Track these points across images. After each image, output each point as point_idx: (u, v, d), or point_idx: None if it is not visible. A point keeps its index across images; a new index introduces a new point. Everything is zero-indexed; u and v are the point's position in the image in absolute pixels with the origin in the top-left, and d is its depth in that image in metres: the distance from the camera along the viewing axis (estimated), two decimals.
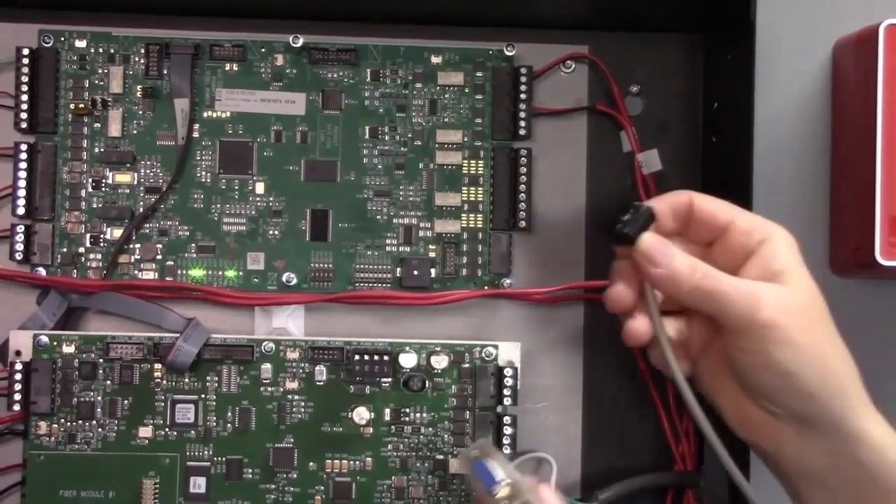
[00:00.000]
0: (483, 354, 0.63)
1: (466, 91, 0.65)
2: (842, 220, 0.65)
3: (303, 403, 0.63)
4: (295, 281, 0.64)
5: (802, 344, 0.52)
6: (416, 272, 0.64)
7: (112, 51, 0.64)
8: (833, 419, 0.53)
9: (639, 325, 0.55)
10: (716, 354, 0.56)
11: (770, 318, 0.51)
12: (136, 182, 0.64)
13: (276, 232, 0.65)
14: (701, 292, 0.53)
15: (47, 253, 0.64)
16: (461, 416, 0.63)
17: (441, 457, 0.63)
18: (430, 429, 0.63)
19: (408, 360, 0.62)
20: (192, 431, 0.63)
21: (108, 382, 0.63)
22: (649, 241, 0.54)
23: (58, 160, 0.64)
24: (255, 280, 0.64)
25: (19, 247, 0.63)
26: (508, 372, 0.63)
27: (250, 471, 0.63)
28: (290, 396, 0.63)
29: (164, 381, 0.63)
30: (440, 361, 0.63)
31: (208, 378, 0.63)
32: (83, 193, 0.64)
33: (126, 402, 0.63)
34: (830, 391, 0.52)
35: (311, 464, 0.63)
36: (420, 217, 0.65)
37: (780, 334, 0.51)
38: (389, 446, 0.63)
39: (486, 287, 0.65)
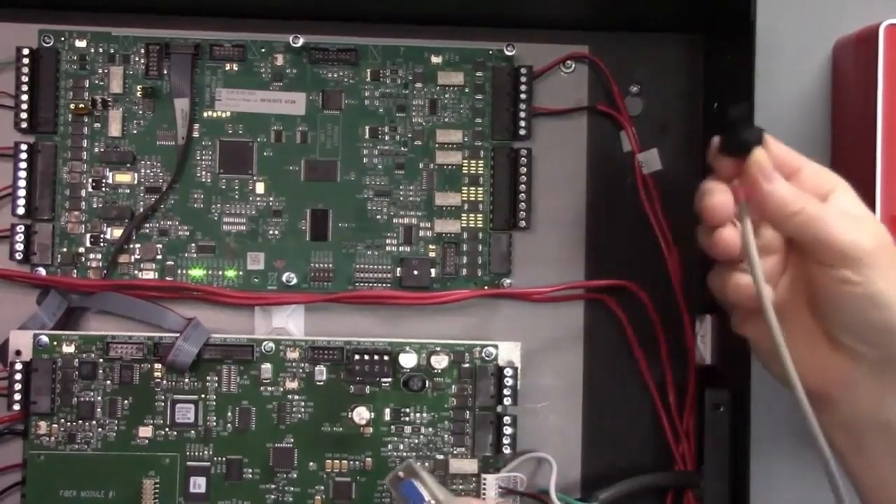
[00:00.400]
0: (483, 354, 0.63)
1: (466, 91, 0.65)
2: None
3: (303, 403, 0.63)
4: (295, 281, 0.64)
5: None
6: (416, 272, 0.64)
7: (112, 51, 0.64)
8: None
9: (731, 235, 0.53)
10: (797, 294, 0.54)
11: (873, 247, 0.50)
12: (136, 182, 0.64)
13: (276, 232, 0.65)
14: (806, 215, 0.51)
15: (47, 253, 0.64)
16: (461, 416, 0.63)
17: (441, 457, 0.63)
18: (430, 429, 0.63)
19: (408, 360, 0.62)
20: (192, 431, 0.63)
21: (108, 382, 0.63)
22: (764, 157, 0.52)
23: (58, 160, 0.64)
24: (255, 280, 0.64)
25: (19, 247, 0.63)
26: (508, 372, 0.63)
27: (250, 471, 0.63)
28: (290, 396, 0.63)
29: (164, 381, 0.63)
30: (440, 361, 0.63)
31: (208, 378, 0.63)
32: (83, 193, 0.64)
33: (126, 402, 0.63)
34: None
35: (311, 464, 0.63)
36: (420, 217, 0.65)
37: (883, 265, 0.50)
38: (389, 446, 0.63)
39: (486, 287, 0.65)
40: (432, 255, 0.65)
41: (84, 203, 0.64)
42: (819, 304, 0.53)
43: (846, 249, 0.51)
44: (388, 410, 0.63)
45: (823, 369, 0.53)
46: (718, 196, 0.53)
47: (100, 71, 0.64)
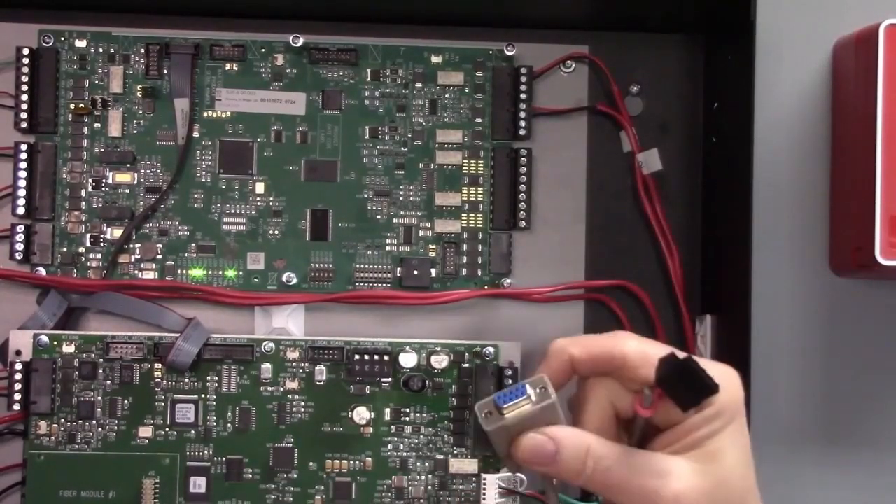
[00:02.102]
0: (483, 354, 0.63)
1: (466, 91, 0.65)
2: (842, 220, 0.65)
3: (303, 403, 0.63)
4: (295, 281, 0.64)
5: None
6: (416, 272, 0.64)
7: (112, 51, 0.64)
8: None
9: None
10: None
11: None
12: (136, 182, 0.64)
13: (276, 232, 0.65)
14: (595, 485, 0.46)
15: (47, 253, 0.64)
16: (461, 416, 0.63)
17: (441, 457, 0.63)
18: (430, 429, 0.63)
19: (408, 360, 0.62)
20: (192, 431, 0.63)
21: (108, 382, 0.63)
22: (526, 446, 0.47)
23: (58, 160, 0.64)
24: (255, 280, 0.64)
25: (19, 247, 0.63)
26: (508, 372, 0.63)
27: (250, 471, 0.63)
28: (290, 396, 0.63)
29: (164, 381, 0.63)
30: (440, 361, 0.63)
31: (208, 378, 0.63)
32: (83, 193, 0.64)
33: (126, 402, 0.63)
34: None
35: (311, 464, 0.63)
36: (420, 217, 0.65)
37: None
38: (389, 446, 0.63)
39: (486, 287, 0.65)
40: (432, 255, 0.65)
41: (84, 203, 0.64)
42: None
43: None
44: (388, 410, 0.63)
45: None
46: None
47: (100, 71, 0.64)
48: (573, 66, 0.66)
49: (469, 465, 0.63)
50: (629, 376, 0.47)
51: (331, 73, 0.65)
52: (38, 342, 0.62)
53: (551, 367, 0.48)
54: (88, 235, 0.64)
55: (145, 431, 0.63)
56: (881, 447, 0.67)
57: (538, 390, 0.47)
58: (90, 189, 0.64)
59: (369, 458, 0.63)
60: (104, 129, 0.64)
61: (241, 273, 0.64)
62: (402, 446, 0.63)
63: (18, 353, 0.62)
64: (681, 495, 0.45)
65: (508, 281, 0.65)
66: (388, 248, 0.65)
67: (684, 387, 0.44)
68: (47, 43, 0.64)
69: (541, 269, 0.65)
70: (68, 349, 0.62)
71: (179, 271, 0.64)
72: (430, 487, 0.63)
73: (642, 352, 0.46)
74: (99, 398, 0.62)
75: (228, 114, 0.65)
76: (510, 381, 0.63)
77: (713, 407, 0.46)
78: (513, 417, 0.47)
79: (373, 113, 0.65)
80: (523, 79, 0.65)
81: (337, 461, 0.63)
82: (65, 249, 0.64)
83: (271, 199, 0.65)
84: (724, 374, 0.46)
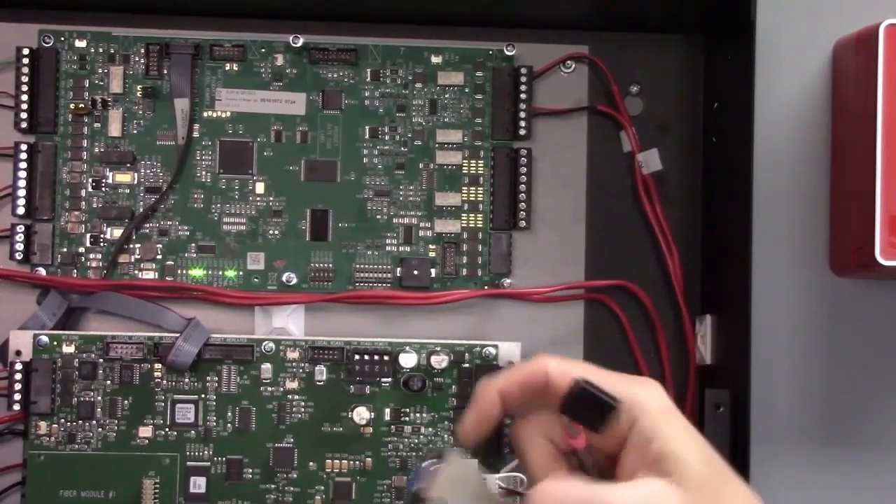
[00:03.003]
0: (483, 354, 0.63)
1: (466, 91, 0.65)
2: (842, 220, 0.65)
3: (303, 403, 0.63)
4: (295, 281, 0.64)
5: None
6: (416, 272, 0.64)
7: (112, 51, 0.64)
8: None
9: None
10: None
11: None
12: (136, 182, 0.64)
13: (276, 232, 0.65)
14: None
15: (47, 253, 0.64)
16: (461, 416, 0.63)
17: None
18: (430, 429, 0.63)
19: (408, 360, 0.62)
20: (192, 431, 0.63)
21: (108, 382, 0.63)
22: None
23: (58, 160, 0.64)
24: (255, 280, 0.64)
25: (19, 247, 0.63)
26: None
27: (250, 471, 0.63)
28: (290, 396, 0.63)
29: (164, 381, 0.63)
30: (440, 361, 0.63)
31: (208, 378, 0.63)
32: (83, 193, 0.64)
33: (126, 402, 0.63)
34: None
35: (311, 464, 0.63)
36: (420, 217, 0.65)
37: None
38: (389, 446, 0.63)
39: (486, 287, 0.65)
40: (432, 255, 0.65)
41: (84, 203, 0.64)
42: None
43: None
44: (388, 410, 0.63)
45: None
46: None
47: (100, 71, 0.64)
48: (573, 66, 0.66)
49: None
50: (555, 401, 0.46)
51: (331, 73, 0.65)
52: (38, 342, 0.62)
53: (479, 408, 0.47)
54: (88, 235, 0.64)
55: (145, 431, 0.63)
56: (881, 447, 0.67)
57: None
58: (90, 189, 0.64)
59: (369, 458, 0.63)
60: (104, 129, 0.64)
61: (241, 273, 0.64)
62: (402, 446, 0.63)
63: (18, 353, 0.62)
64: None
65: (508, 281, 0.65)
66: (388, 248, 0.65)
67: (587, 410, 0.44)
68: (47, 43, 0.64)
69: (541, 269, 0.65)
70: (68, 349, 0.62)
71: (179, 271, 0.64)
72: None
73: (563, 370, 0.45)
74: (99, 398, 0.62)
75: (228, 114, 0.65)
76: None
77: (648, 416, 0.45)
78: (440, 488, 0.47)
79: (373, 113, 0.65)
80: (523, 79, 0.65)
81: (337, 461, 0.63)
82: (65, 249, 0.64)
83: (271, 199, 0.65)
84: (643, 384, 0.46)
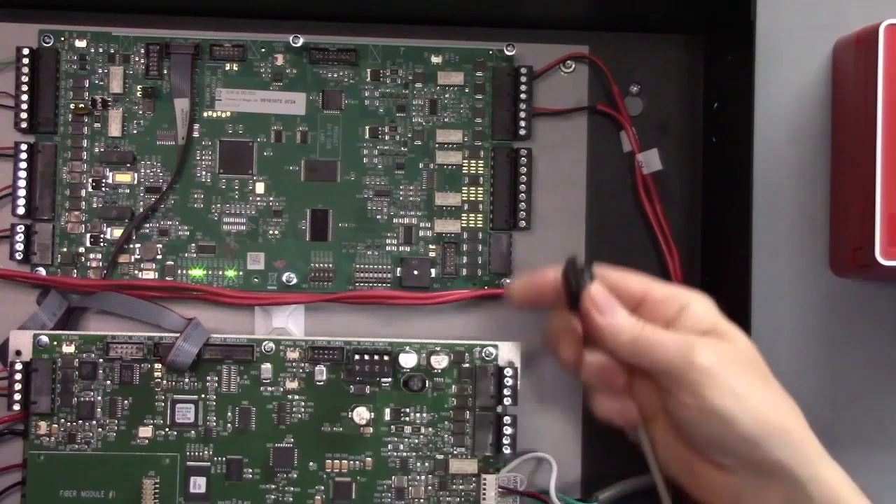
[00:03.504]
0: (483, 354, 0.63)
1: (466, 91, 0.65)
2: (842, 220, 0.65)
3: (303, 403, 0.63)
4: (295, 281, 0.64)
5: (739, 389, 0.51)
6: (416, 272, 0.64)
7: (112, 51, 0.64)
8: (782, 465, 0.51)
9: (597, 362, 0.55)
10: (663, 423, 0.55)
11: (705, 365, 0.51)
12: (136, 182, 0.64)
13: (276, 232, 0.65)
14: (640, 343, 0.52)
15: (47, 253, 0.64)
16: (461, 416, 0.63)
17: (441, 457, 0.63)
18: (430, 429, 0.63)
19: (408, 360, 0.62)
20: (192, 431, 0.63)
21: (108, 382, 0.63)
22: (599, 291, 0.53)
23: (58, 160, 0.64)
24: (255, 280, 0.64)
25: (19, 247, 0.63)
26: (508, 372, 0.63)
27: (250, 471, 0.63)
28: (290, 396, 0.63)
29: (164, 381, 0.63)
30: (440, 361, 0.63)
31: (208, 378, 0.63)
32: (83, 193, 0.64)
33: (126, 402, 0.63)
34: (773, 437, 0.51)
35: (311, 464, 0.63)
36: (420, 217, 0.65)
37: (717, 380, 0.51)
38: (389, 446, 0.63)
39: (486, 287, 0.65)
40: (432, 255, 0.65)
41: (84, 203, 0.64)
42: (678, 426, 0.53)
43: (676, 372, 0.51)
44: (388, 410, 0.63)
45: (705, 485, 0.54)
46: (563, 356, 0.57)
47: (100, 71, 0.64)
48: (573, 66, 0.66)
49: (469, 466, 0.63)
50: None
51: (331, 73, 0.65)
52: (38, 342, 0.62)
53: (532, 279, 0.57)
54: (88, 235, 0.64)
55: (145, 431, 0.63)
56: (881, 447, 0.67)
57: None
58: (90, 189, 0.64)
59: (369, 458, 0.63)
60: (104, 129, 0.64)
61: (241, 273, 0.64)
62: (402, 446, 0.63)
63: (18, 353, 0.62)
64: (707, 347, 0.51)
65: (508, 281, 0.65)
66: (388, 248, 0.65)
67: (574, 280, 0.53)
68: (47, 43, 0.64)
69: (541, 269, 0.65)
70: (68, 349, 0.62)
71: (179, 271, 0.64)
72: (429, 487, 0.63)
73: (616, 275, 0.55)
74: (99, 398, 0.62)
75: (228, 114, 0.65)
76: (510, 382, 0.63)
77: (701, 303, 0.54)
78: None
79: (373, 113, 0.65)
80: (523, 79, 0.65)
81: (337, 461, 0.63)
82: (65, 249, 0.64)
83: (271, 199, 0.65)
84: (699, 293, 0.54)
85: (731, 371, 0.51)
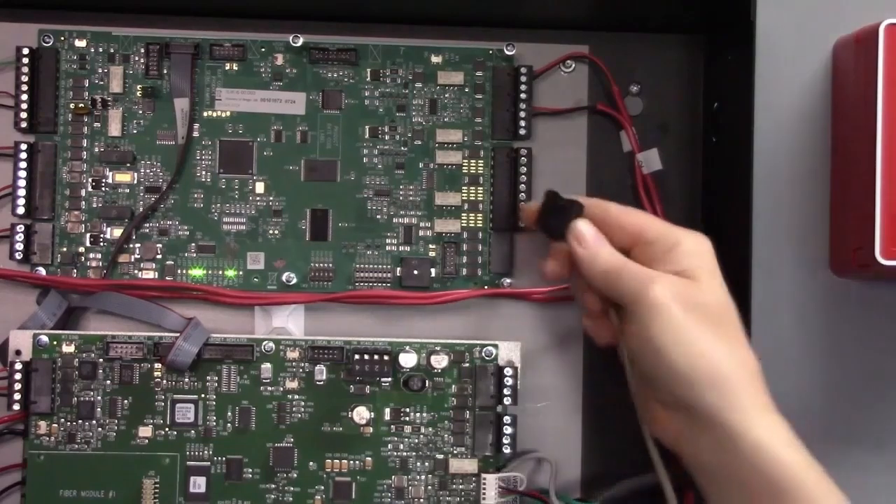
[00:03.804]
0: (483, 354, 0.63)
1: (466, 91, 0.65)
2: (842, 220, 0.65)
3: (303, 403, 0.63)
4: (295, 281, 0.64)
5: (682, 329, 0.53)
6: (416, 272, 0.64)
7: (112, 50, 0.64)
8: (713, 412, 0.53)
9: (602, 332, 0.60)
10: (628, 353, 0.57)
11: (656, 299, 0.53)
12: (136, 182, 0.64)
13: (276, 232, 0.65)
14: (611, 274, 0.55)
15: (47, 252, 0.64)
16: (461, 416, 0.63)
17: (441, 456, 0.63)
18: (430, 429, 0.63)
19: (408, 360, 0.62)
20: (192, 431, 0.63)
21: (108, 382, 0.63)
22: (582, 225, 0.57)
23: (58, 160, 0.64)
24: (255, 280, 0.64)
25: (19, 246, 0.63)
26: (508, 372, 0.63)
27: (250, 471, 0.63)
28: (290, 396, 0.63)
29: (164, 381, 0.63)
30: (440, 361, 0.63)
31: (208, 378, 0.63)
32: (83, 193, 0.64)
33: (126, 401, 0.63)
34: (706, 381, 0.53)
35: (311, 464, 0.63)
36: (420, 217, 0.65)
37: (662, 316, 0.53)
38: (389, 446, 0.63)
39: (486, 287, 0.65)
40: (432, 254, 0.65)
41: (84, 203, 0.64)
42: (630, 358, 0.56)
43: (630, 301, 0.54)
44: (388, 410, 0.63)
45: (653, 419, 0.57)
46: (548, 265, 0.60)
47: (100, 71, 0.64)
48: (573, 65, 0.66)
49: (469, 465, 0.63)
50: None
51: (331, 73, 0.65)
52: (38, 342, 0.62)
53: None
54: (88, 235, 0.64)
55: (145, 431, 0.63)
56: (881, 447, 0.67)
57: None
58: (90, 189, 0.64)
59: (369, 458, 0.63)
60: (104, 129, 0.64)
61: (241, 273, 0.64)
62: (402, 446, 0.63)
63: (18, 352, 0.62)
64: (664, 283, 0.54)
65: (508, 281, 0.65)
66: (388, 248, 0.65)
67: (555, 216, 0.58)
68: (47, 43, 0.64)
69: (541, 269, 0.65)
70: (68, 349, 0.62)
71: (179, 271, 0.64)
72: (429, 487, 0.63)
73: (623, 211, 0.59)
74: (99, 398, 0.62)
75: (228, 113, 0.65)
76: (510, 381, 0.63)
77: (693, 240, 0.56)
78: None
79: (373, 113, 0.65)
80: (523, 78, 0.65)
81: (337, 461, 0.63)
82: (65, 249, 0.64)
83: (271, 198, 0.65)
84: (696, 233, 0.57)
85: (679, 311, 0.53)
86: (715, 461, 0.54)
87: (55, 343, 0.62)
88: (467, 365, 0.63)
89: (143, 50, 0.64)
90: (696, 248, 0.56)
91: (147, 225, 0.64)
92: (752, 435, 0.52)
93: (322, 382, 0.63)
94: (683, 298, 0.53)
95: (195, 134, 0.64)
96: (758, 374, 0.54)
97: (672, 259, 0.55)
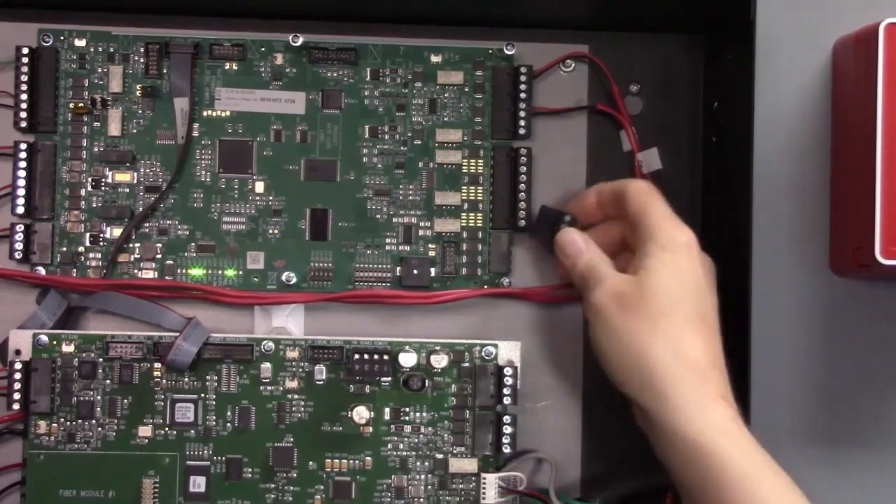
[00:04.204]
0: (483, 354, 0.63)
1: (466, 90, 0.65)
2: (842, 220, 0.65)
3: (303, 403, 0.63)
4: (295, 280, 0.64)
5: (619, 332, 0.56)
6: (416, 271, 0.64)
7: (112, 50, 0.64)
8: (650, 410, 0.55)
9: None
10: None
11: (596, 301, 0.57)
12: (135, 181, 0.64)
13: (276, 231, 0.65)
14: (581, 279, 0.59)
15: (47, 252, 0.64)
16: (461, 416, 0.63)
17: (441, 456, 0.63)
18: (430, 428, 0.63)
19: (408, 360, 0.62)
20: (192, 431, 0.63)
21: (108, 382, 0.63)
22: (565, 235, 0.61)
23: (57, 159, 0.64)
24: (255, 279, 0.64)
25: (19, 246, 0.63)
26: (508, 371, 0.63)
27: (250, 470, 0.63)
28: (289, 396, 0.63)
29: (164, 381, 0.63)
30: (440, 361, 0.63)
31: (208, 377, 0.63)
32: (83, 193, 0.64)
33: (126, 401, 0.63)
34: (640, 383, 0.55)
35: (310, 463, 0.63)
36: (420, 216, 0.65)
37: (602, 319, 0.57)
38: (389, 446, 0.63)
39: (486, 287, 0.65)
40: (432, 254, 0.65)
41: (84, 202, 0.64)
42: None
43: (585, 305, 0.59)
44: (387, 410, 0.63)
45: (638, 424, 0.59)
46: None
47: (99, 70, 0.64)
48: (573, 65, 0.66)
49: (468, 465, 0.63)
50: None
51: (330, 73, 0.65)
52: (38, 342, 0.62)
53: (580, 199, 0.64)
54: (88, 235, 0.64)
55: (145, 431, 0.63)
56: (881, 447, 0.67)
57: None
58: (90, 188, 0.64)
59: (369, 458, 0.63)
60: (104, 129, 0.64)
61: (240, 273, 0.64)
62: (401, 446, 0.63)
63: (18, 352, 0.62)
64: (605, 286, 0.57)
65: (508, 281, 0.65)
66: (387, 248, 0.65)
67: (548, 224, 0.63)
68: (47, 42, 0.64)
69: (541, 268, 0.65)
70: (68, 349, 0.62)
71: (179, 271, 0.64)
72: (429, 487, 0.63)
73: (639, 191, 0.61)
74: (99, 398, 0.62)
75: (228, 113, 0.65)
76: (510, 381, 0.63)
77: (656, 241, 0.57)
78: None
79: (372, 112, 0.65)
80: (523, 78, 0.65)
81: (336, 461, 0.63)
82: (64, 249, 0.64)
83: (271, 198, 0.65)
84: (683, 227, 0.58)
85: (614, 312, 0.56)
86: (663, 457, 0.56)
87: (55, 343, 0.62)
88: (467, 365, 0.63)
89: (142, 49, 0.64)
90: (666, 243, 0.57)
91: (147, 225, 0.64)
92: (686, 430, 0.54)
93: (322, 382, 0.63)
94: (623, 300, 0.56)
95: (195, 133, 0.64)
96: (710, 364, 0.55)
97: (642, 253, 0.57)
